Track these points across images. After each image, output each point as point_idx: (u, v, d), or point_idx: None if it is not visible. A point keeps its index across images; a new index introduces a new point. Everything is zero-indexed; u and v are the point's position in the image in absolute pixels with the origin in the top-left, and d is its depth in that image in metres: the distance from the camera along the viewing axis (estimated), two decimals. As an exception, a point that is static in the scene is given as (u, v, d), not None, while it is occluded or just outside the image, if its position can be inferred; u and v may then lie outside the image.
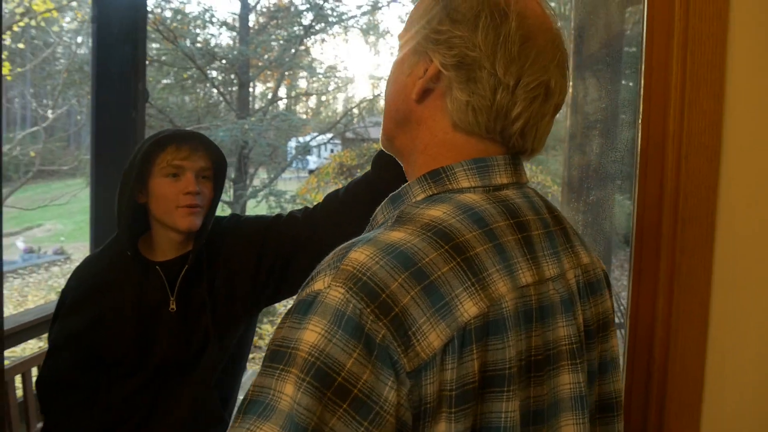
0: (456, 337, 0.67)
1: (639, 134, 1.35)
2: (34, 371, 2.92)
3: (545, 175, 9.43)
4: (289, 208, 9.92)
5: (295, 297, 0.73)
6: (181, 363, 1.61)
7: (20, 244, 13.89)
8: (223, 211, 10.62)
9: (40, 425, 2.86)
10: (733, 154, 1.29)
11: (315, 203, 1.69)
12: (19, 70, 9.90)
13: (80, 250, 12.64)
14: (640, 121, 1.35)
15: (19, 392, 2.94)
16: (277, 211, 9.87)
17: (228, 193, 10.15)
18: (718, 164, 1.29)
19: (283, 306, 8.86)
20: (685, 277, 1.29)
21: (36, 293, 11.22)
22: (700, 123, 1.28)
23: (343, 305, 0.66)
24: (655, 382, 1.33)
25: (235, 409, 0.70)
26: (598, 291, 0.90)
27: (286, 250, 1.63)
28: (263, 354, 0.73)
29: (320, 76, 13.11)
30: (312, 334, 0.66)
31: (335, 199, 1.61)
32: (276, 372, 0.66)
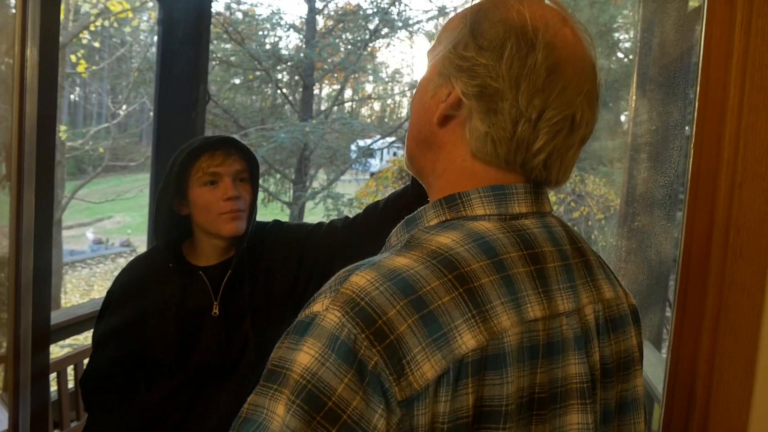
0: (451, 369, 0.65)
1: (690, 160, 1.28)
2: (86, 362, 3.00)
3: (609, 188, 9.20)
4: (346, 211, 9.97)
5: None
6: (221, 366, 1.62)
7: (90, 234, 14.42)
8: (282, 211, 10.76)
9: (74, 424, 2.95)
10: (791, 185, 1.21)
11: (356, 214, 1.68)
12: (94, 68, 10.28)
13: (146, 243, 13.06)
14: (692, 146, 1.28)
15: (72, 383, 3.02)
16: (334, 213, 9.95)
17: (287, 194, 10.28)
18: (774, 196, 1.21)
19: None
20: (732, 314, 1.22)
21: (102, 283, 11.61)
22: (757, 151, 1.21)
23: (338, 329, 0.65)
24: (696, 423, 1.26)
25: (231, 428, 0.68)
26: (621, 328, 0.85)
27: (325, 257, 1.62)
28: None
29: (385, 80, 13.16)
30: (306, 357, 0.65)
31: (375, 210, 1.59)
32: (270, 392, 0.66)
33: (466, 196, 0.78)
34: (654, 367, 2.90)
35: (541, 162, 0.77)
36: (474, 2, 0.81)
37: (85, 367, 1.73)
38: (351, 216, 1.66)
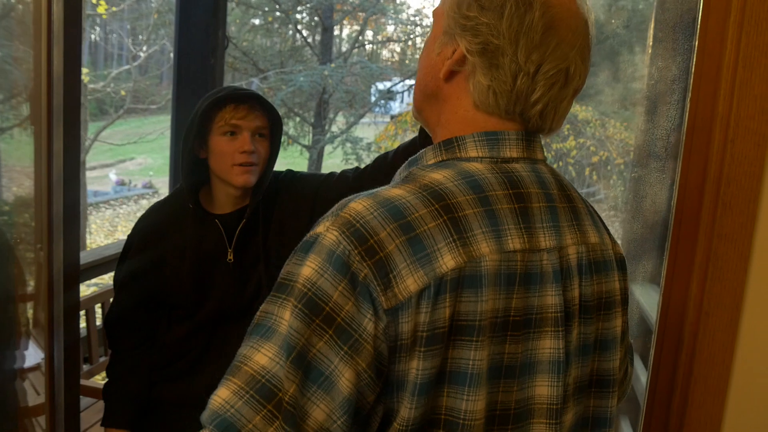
0: (432, 285, 0.75)
1: (687, 114, 1.32)
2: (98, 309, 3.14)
3: (630, 132, 9.12)
4: (364, 155, 10.00)
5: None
6: (235, 309, 1.72)
7: (113, 176, 14.61)
8: (301, 155, 10.82)
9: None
10: (782, 140, 1.25)
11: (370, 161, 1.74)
12: (114, 9, 10.26)
13: (167, 185, 13.21)
14: (688, 101, 1.32)
15: (99, 321, 3.17)
16: (353, 158, 9.97)
17: (307, 138, 10.31)
18: (764, 151, 1.25)
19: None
20: (721, 263, 1.28)
21: (125, 224, 11.84)
22: (750, 107, 1.25)
23: (335, 246, 0.75)
24: (683, 363, 1.34)
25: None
26: (604, 271, 0.93)
27: None
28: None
29: (405, 21, 12.97)
30: (308, 269, 0.75)
31: (384, 161, 1.65)
32: (279, 300, 0.76)
33: (461, 139, 0.86)
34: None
35: (537, 112, 0.85)
36: None
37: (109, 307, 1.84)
38: (362, 167, 1.73)
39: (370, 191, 0.82)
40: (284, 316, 0.75)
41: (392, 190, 0.80)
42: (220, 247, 1.68)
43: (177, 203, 1.74)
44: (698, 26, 1.30)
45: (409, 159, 0.92)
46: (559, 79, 0.84)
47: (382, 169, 1.64)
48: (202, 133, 1.63)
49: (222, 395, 0.74)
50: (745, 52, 1.24)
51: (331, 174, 1.76)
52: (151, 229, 1.74)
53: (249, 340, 0.77)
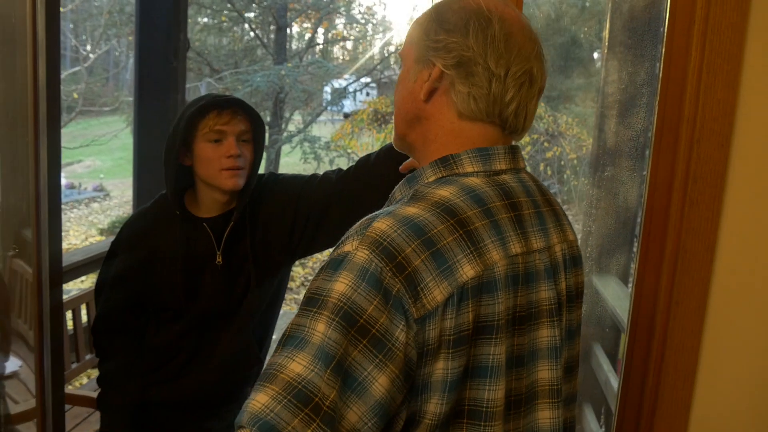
0: (455, 294, 0.84)
1: (655, 116, 1.42)
2: (83, 308, 3.12)
3: (581, 128, 9.35)
4: (323, 154, 9.99)
5: (330, 251, 0.92)
6: (223, 311, 1.75)
7: (62, 180, 14.25)
8: (258, 154, 10.73)
9: (89, 357, 3.09)
10: (743, 142, 1.35)
11: (348, 165, 1.78)
12: (62, 9, 10.03)
13: (119, 187, 12.92)
14: (656, 104, 1.41)
15: (70, 325, 3.14)
16: (312, 157, 9.95)
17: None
18: (728, 151, 1.35)
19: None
20: (689, 255, 1.38)
21: (77, 228, 11.57)
22: (714, 110, 1.35)
23: (367, 263, 0.82)
24: (655, 349, 1.43)
25: (274, 344, 0.87)
26: (579, 264, 1.07)
27: (319, 208, 1.74)
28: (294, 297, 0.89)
29: (358, 20, 13.01)
30: (342, 285, 0.82)
31: (366, 163, 1.70)
32: (311, 314, 0.83)
33: (457, 157, 0.96)
34: (621, 301, 3.12)
35: (512, 111, 0.96)
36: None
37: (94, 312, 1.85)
38: (344, 168, 1.78)
39: (387, 210, 0.90)
40: (317, 328, 0.81)
41: (407, 209, 0.88)
42: (208, 250, 1.72)
43: (161, 209, 1.76)
44: (665, 35, 1.39)
45: (407, 177, 1.01)
46: (525, 79, 0.96)
47: (365, 170, 1.68)
48: (186, 141, 1.66)
49: (261, 400, 0.78)
50: (708, 58, 1.34)
51: (314, 176, 1.80)
52: (137, 233, 1.76)
53: (283, 351, 0.82)
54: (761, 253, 1.37)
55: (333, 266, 0.85)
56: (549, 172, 8.82)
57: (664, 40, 1.39)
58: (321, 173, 1.81)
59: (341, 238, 0.90)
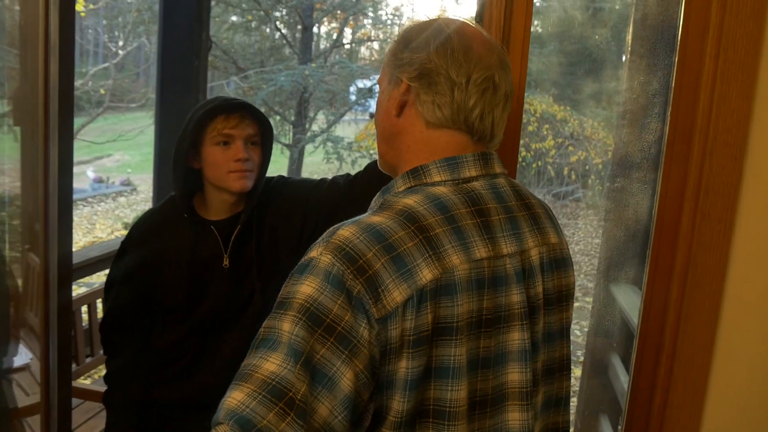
0: (415, 295, 0.89)
1: (667, 127, 1.38)
2: (99, 303, 3.15)
3: (608, 131, 9.24)
4: (345, 154, 10.00)
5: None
6: (228, 313, 1.75)
7: (90, 173, 14.45)
8: (282, 153, 10.79)
9: (101, 352, 3.11)
10: (758, 154, 1.31)
11: (356, 171, 1.78)
12: (92, 6, 10.17)
13: (146, 182, 13.05)
14: (669, 114, 1.38)
15: (85, 321, 3.18)
16: (334, 157, 9.97)
17: (287, 137, 10.30)
18: (742, 163, 1.32)
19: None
20: (699, 269, 1.35)
21: (103, 222, 11.73)
22: (728, 121, 1.31)
23: (330, 267, 0.88)
24: (663, 364, 1.40)
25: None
26: (563, 267, 1.09)
27: (328, 213, 1.73)
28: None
29: (385, 20, 13.01)
30: (308, 288, 0.88)
31: (375, 169, 1.69)
32: (279, 315, 0.88)
33: (425, 167, 1.01)
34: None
35: (477, 116, 1.00)
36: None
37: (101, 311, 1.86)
38: (352, 173, 1.77)
39: (354, 219, 0.96)
40: (284, 328, 0.86)
41: (372, 217, 0.94)
42: (216, 252, 1.72)
43: (171, 210, 1.77)
44: (678, 44, 1.36)
45: (383, 188, 1.06)
46: (488, 86, 1.00)
47: (373, 176, 1.68)
48: (195, 144, 1.66)
49: (236, 397, 0.82)
50: (722, 67, 1.31)
51: (323, 180, 1.80)
52: (147, 234, 1.77)
53: (256, 352, 0.87)
54: (774, 269, 1.34)
55: (299, 271, 0.90)
56: (573, 177, 8.73)
57: (677, 48, 1.36)
58: (330, 178, 1.81)
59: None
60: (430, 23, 1.05)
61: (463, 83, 0.99)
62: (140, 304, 1.76)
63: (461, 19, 1.07)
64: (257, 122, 1.70)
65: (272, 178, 1.84)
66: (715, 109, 1.31)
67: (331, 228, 0.95)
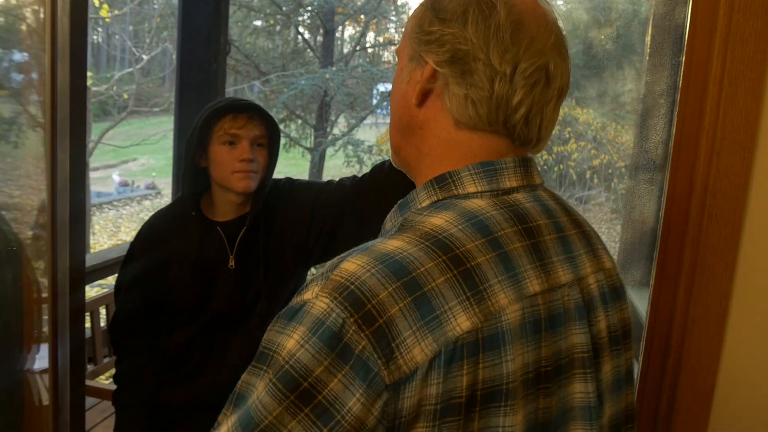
0: (443, 353, 0.66)
1: (674, 128, 1.36)
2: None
3: (630, 134, 9.14)
4: (365, 157, 10.02)
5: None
6: (235, 314, 1.76)
7: (116, 177, 14.65)
8: (303, 156, 10.85)
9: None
10: (767, 154, 1.28)
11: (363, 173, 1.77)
12: (116, 12, 10.32)
13: (170, 185, 13.22)
14: (676, 114, 1.36)
15: (103, 322, 3.21)
16: (355, 160, 9.99)
17: (308, 140, 10.35)
18: (750, 163, 1.28)
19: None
20: (707, 272, 1.32)
21: (128, 224, 11.88)
22: (736, 120, 1.28)
23: (324, 315, 0.66)
24: (670, 369, 1.37)
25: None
26: (622, 297, 0.88)
27: (335, 215, 1.73)
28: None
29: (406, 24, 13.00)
30: (290, 341, 0.66)
31: (381, 171, 1.68)
32: (260, 372, 0.68)
33: (456, 174, 0.78)
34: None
35: (522, 117, 0.77)
36: None
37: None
38: (359, 176, 1.77)
39: (364, 246, 0.72)
40: (258, 387, 0.67)
41: (389, 243, 0.71)
42: (221, 253, 1.73)
43: (179, 210, 1.79)
44: (685, 42, 1.33)
45: (399, 203, 0.83)
46: (540, 78, 0.77)
47: (379, 177, 1.67)
48: (202, 142, 1.68)
49: None
50: (730, 67, 1.28)
51: (330, 182, 1.80)
52: (154, 236, 1.79)
53: (228, 409, 0.71)
54: (785, 273, 1.30)
55: (288, 316, 0.69)
56: (596, 180, 8.65)
57: (685, 48, 1.33)
58: (337, 179, 1.81)
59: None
60: None
61: (508, 73, 0.75)
62: (149, 306, 1.78)
63: None
64: (265, 124, 1.71)
65: (279, 179, 1.84)
66: (723, 109, 1.28)
67: (335, 258, 0.73)
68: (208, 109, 1.68)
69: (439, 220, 0.73)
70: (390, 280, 0.66)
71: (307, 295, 0.69)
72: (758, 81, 1.27)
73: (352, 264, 0.69)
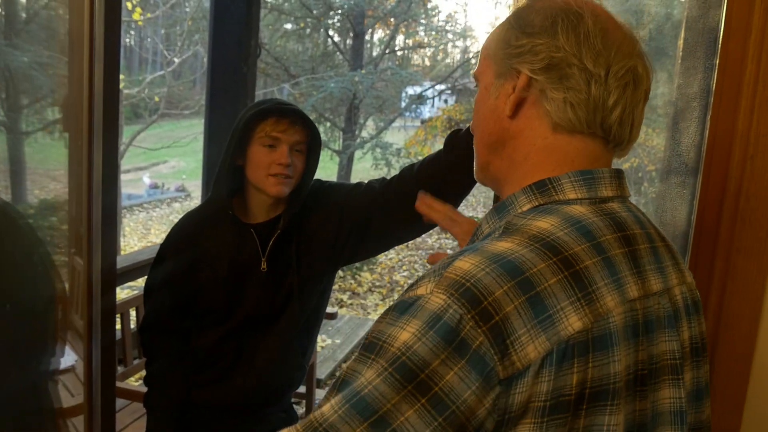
0: (555, 351, 0.69)
1: (707, 131, 1.35)
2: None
3: (662, 138, 9.03)
4: (393, 160, 10.04)
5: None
6: (266, 316, 1.77)
7: (146, 179, 14.85)
8: (331, 159, 10.91)
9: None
10: (801, 157, 1.27)
11: (392, 175, 1.78)
12: (149, 15, 10.47)
13: (200, 188, 13.34)
14: (709, 117, 1.35)
15: (133, 324, 3.26)
16: (383, 163, 10.01)
17: (337, 143, 10.40)
18: (784, 167, 1.27)
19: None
20: (740, 276, 1.31)
21: (158, 227, 12.02)
22: (770, 124, 1.27)
23: (441, 311, 0.68)
24: (701, 375, 1.36)
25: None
26: (701, 311, 0.90)
27: (363, 217, 1.73)
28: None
29: (437, 26, 13.02)
30: (405, 334, 0.69)
31: (410, 173, 1.69)
32: (368, 360, 0.71)
33: (556, 180, 0.81)
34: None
35: (617, 118, 0.81)
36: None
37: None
38: (388, 178, 1.77)
39: (472, 247, 0.75)
40: (367, 375, 0.70)
41: (499, 244, 0.74)
42: (254, 256, 1.73)
43: (211, 211, 1.79)
44: (719, 45, 1.32)
45: (495, 206, 0.87)
46: (630, 79, 0.81)
47: (408, 181, 1.67)
48: (242, 141, 1.69)
49: None
50: (765, 70, 1.27)
51: (359, 184, 1.80)
52: (185, 236, 1.80)
53: (331, 393, 0.73)
54: (820, 278, 1.29)
55: (400, 309, 0.71)
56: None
57: (719, 51, 1.32)
58: (366, 182, 1.81)
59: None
60: (549, 1, 0.84)
61: (602, 75, 0.79)
62: (179, 308, 1.79)
63: None
64: (306, 130, 1.71)
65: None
66: (757, 112, 1.27)
67: (445, 258, 0.75)
68: (251, 108, 1.69)
69: (545, 224, 0.76)
70: (504, 279, 0.69)
71: (421, 290, 0.72)
72: (793, 84, 1.26)
73: (466, 263, 0.72)
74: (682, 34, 1.46)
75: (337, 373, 0.76)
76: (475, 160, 0.93)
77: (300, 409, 3.84)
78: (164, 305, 1.80)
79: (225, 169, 1.71)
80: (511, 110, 0.84)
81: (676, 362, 0.81)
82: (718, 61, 1.33)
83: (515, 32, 0.83)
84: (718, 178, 1.33)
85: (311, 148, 1.74)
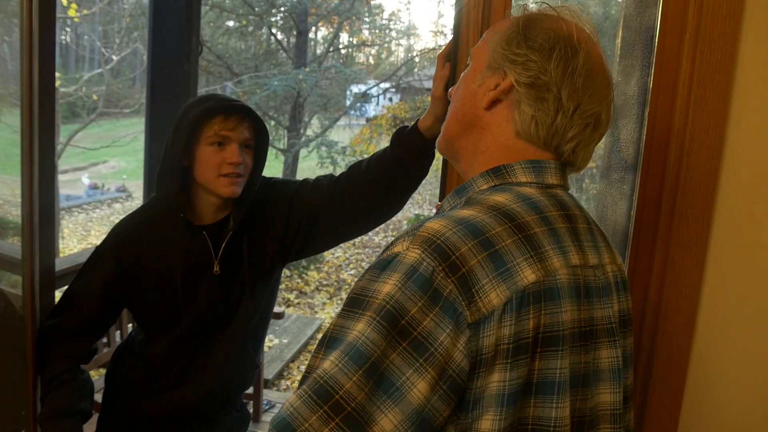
0: (514, 299, 0.80)
1: (645, 129, 1.38)
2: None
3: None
4: (339, 159, 10.02)
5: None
6: (219, 318, 1.72)
7: (85, 179, 14.44)
8: (276, 158, 10.81)
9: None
10: (734, 154, 1.31)
11: (340, 172, 1.76)
12: (85, 12, 10.17)
13: (141, 188, 13.07)
14: (647, 115, 1.38)
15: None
16: (328, 161, 9.97)
17: (282, 141, 10.31)
18: (719, 163, 1.32)
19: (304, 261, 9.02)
20: (677, 270, 1.34)
21: (99, 228, 11.71)
22: (705, 122, 1.31)
23: (417, 263, 0.79)
24: (642, 365, 1.40)
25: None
26: (628, 290, 1.02)
27: (311, 213, 1.71)
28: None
29: (380, 24, 13.04)
30: (387, 286, 0.79)
31: (358, 171, 1.67)
32: (355, 315, 0.80)
33: (509, 167, 0.94)
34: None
35: (571, 148, 0.93)
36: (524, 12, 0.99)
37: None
38: (335, 175, 1.76)
39: (440, 214, 0.87)
40: (356, 328, 0.79)
41: (462, 211, 0.86)
42: (206, 258, 1.68)
43: (157, 213, 1.70)
44: (656, 44, 1.36)
45: (456, 189, 0.99)
46: (591, 122, 0.93)
47: (356, 177, 1.66)
48: (188, 142, 1.61)
49: (290, 400, 0.78)
50: (699, 69, 1.31)
51: (306, 181, 1.77)
52: (130, 238, 1.70)
53: (326, 354, 0.80)
54: (752, 268, 1.34)
55: (380, 266, 0.83)
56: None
57: (655, 50, 1.36)
58: (313, 178, 1.79)
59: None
60: (556, 21, 0.95)
61: (570, 110, 0.91)
62: (110, 310, 1.72)
63: (587, 30, 0.96)
64: (255, 126, 1.66)
65: (255, 179, 1.81)
66: (692, 111, 1.31)
67: (415, 223, 0.86)
68: (195, 105, 1.62)
69: (500, 198, 0.89)
70: (468, 238, 0.81)
71: (398, 248, 0.83)
72: (726, 83, 1.30)
73: (435, 224, 0.83)
74: (620, 33, 1.49)
75: (322, 331, 0.80)
76: (442, 128, 1.05)
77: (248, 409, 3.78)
78: (87, 311, 1.69)
79: (170, 169, 1.63)
80: (487, 104, 0.95)
81: (612, 326, 0.92)
82: (654, 60, 1.37)
83: (519, 38, 0.94)
84: (656, 174, 1.37)
85: (259, 144, 1.71)
